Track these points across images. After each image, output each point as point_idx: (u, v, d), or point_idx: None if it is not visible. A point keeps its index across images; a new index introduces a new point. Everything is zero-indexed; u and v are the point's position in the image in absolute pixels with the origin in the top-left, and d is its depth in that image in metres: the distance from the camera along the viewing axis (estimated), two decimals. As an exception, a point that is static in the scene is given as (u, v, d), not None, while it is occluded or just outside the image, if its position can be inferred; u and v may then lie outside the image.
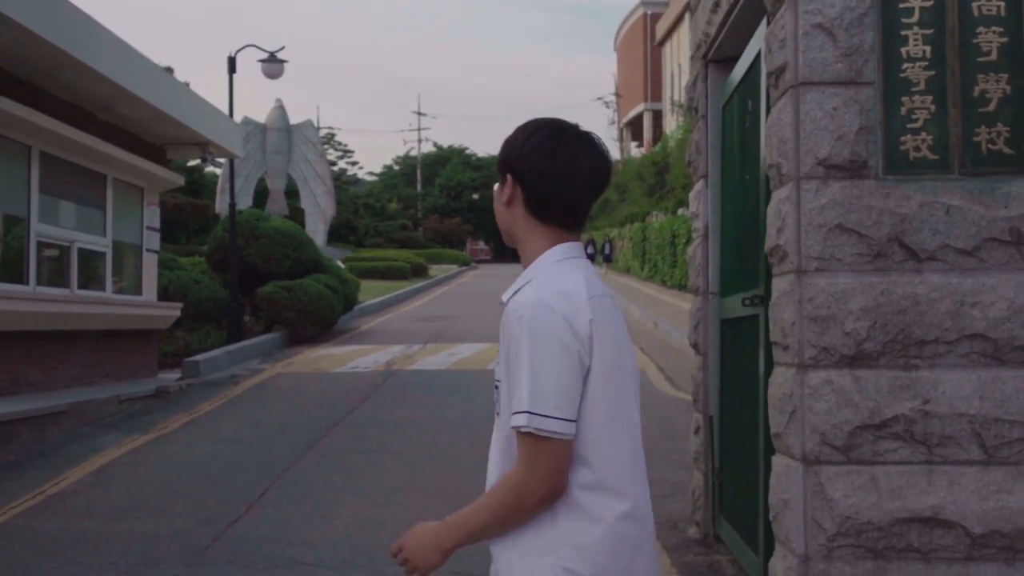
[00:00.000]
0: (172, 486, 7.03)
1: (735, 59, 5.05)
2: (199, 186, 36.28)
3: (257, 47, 17.29)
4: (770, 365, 3.85)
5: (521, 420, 1.64)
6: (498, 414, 1.78)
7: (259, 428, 9.11)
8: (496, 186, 1.85)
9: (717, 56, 5.43)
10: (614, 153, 69.65)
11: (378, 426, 8.91)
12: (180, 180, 13.63)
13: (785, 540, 3.37)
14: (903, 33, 3.26)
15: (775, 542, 3.54)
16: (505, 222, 1.84)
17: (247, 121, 34.80)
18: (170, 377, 12.50)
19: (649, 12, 59.04)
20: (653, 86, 58.57)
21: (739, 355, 4.84)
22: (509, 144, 1.81)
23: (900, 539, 3.18)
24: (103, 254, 11.64)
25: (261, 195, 35.95)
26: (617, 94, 65.60)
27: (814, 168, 3.36)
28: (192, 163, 34.35)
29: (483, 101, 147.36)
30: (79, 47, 9.40)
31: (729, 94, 5.11)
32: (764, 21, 4.08)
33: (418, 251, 44.50)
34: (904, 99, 3.25)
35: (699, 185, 5.71)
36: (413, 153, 70.28)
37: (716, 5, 5.10)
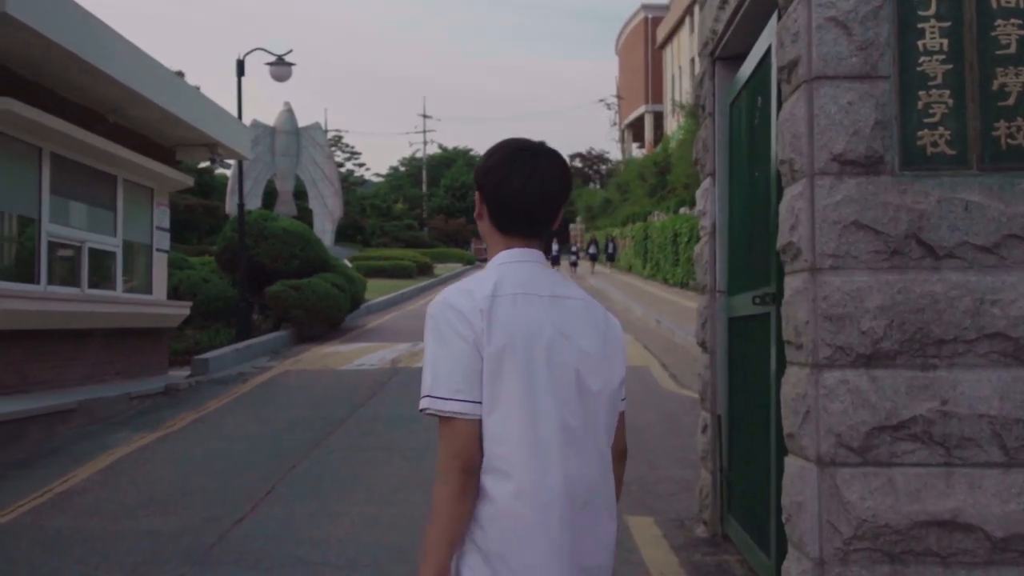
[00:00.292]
0: (179, 484, 7.01)
1: (743, 57, 5.01)
2: (209, 187, 36.33)
3: (265, 50, 17.32)
4: (782, 364, 3.80)
5: (424, 403, 1.81)
6: None
7: (266, 425, 9.10)
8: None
9: (724, 53, 5.40)
10: (615, 154, 69.79)
11: (384, 423, 8.89)
12: (189, 181, 13.63)
13: (799, 543, 3.32)
14: (919, 26, 3.21)
15: (788, 544, 3.49)
16: (481, 231, 2.05)
17: (256, 124, 34.87)
18: (180, 374, 12.51)
19: (650, 16, 59.39)
20: (654, 88, 58.77)
21: (748, 354, 4.80)
22: (478, 164, 2.03)
23: (918, 543, 3.12)
24: (113, 254, 11.65)
25: (270, 196, 36.01)
26: (619, 96, 65.66)
27: (829, 164, 3.30)
28: (203, 165, 34.45)
29: (487, 103, 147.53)
30: (88, 49, 9.40)
31: (737, 91, 5.07)
32: (775, 16, 4.04)
33: (423, 250, 44.56)
34: (921, 93, 3.20)
35: (706, 183, 5.68)
36: (419, 155, 70.45)
37: (724, 2, 5.06)
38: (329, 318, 16.78)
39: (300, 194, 37.57)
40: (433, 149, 71.54)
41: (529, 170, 1.94)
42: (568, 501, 1.83)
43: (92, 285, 11.05)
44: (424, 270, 36.62)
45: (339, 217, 37.70)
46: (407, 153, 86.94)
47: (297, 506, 6.26)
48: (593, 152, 76.68)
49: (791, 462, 3.50)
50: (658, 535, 5.50)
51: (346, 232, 44.83)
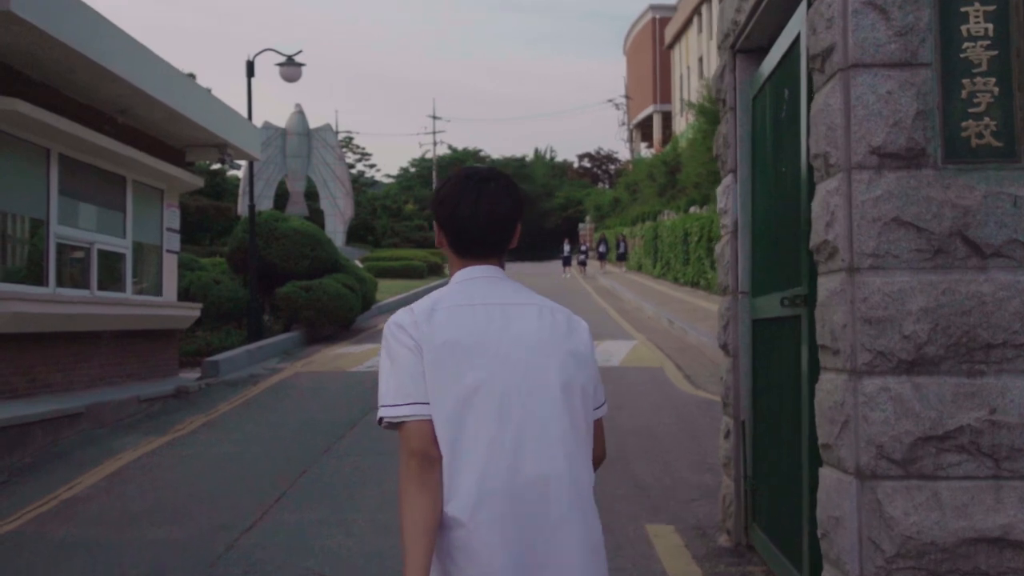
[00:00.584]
0: (187, 490, 6.87)
1: (765, 49, 4.85)
2: (221, 189, 36.32)
3: (275, 51, 17.21)
4: (815, 370, 3.64)
5: (379, 414, 1.97)
6: None
7: (277, 429, 8.96)
8: None
9: (746, 46, 5.21)
10: (624, 154, 69.54)
11: (397, 427, 8.71)
12: (199, 182, 13.52)
13: (837, 560, 3.13)
14: (963, 10, 3.02)
15: (823, 561, 3.31)
16: (447, 255, 2.17)
17: (268, 126, 34.84)
18: (191, 377, 12.39)
19: (658, 16, 59.36)
20: (662, 88, 58.67)
21: (775, 358, 4.62)
22: (433, 195, 2.17)
23: (966, 561, 2.93)
24: (123, 255, 11.54)
25: (282, 198, 35.98)
26: (627, 96, 65.50)
27: (867, 157, 3.14)
28: (215, 167, 34.42)
29: (497, 105, 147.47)
30: (94, 48, 9.27)
31: (760, 84, 4.89)
32: (804, 3, 3.86)
33: (434, 250, 44.35)
34: (965, 81, 3.02)
35: (728, 180, 5.50)
36: (429, 155, 70.22)
37: (746, -9, 4.87)
38: (340, 319, 16.67)
39: (311, 195, 37.53)
40: (443, 150, 71.34)
41: (477, 196, 2.06)
42: (511, 502, 1.90)
43: (102, 287, 10.93)
44: (435, 270, 36.54)
45: (350, 218, 37.64)
46: (417, 154, 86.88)
47: (308, 513, 6.11)
48: (601, 152, 76.49)
49: (827, 474, 3.34)
50: (679, 544, 5.33)
51: (357, 233, 44.76)
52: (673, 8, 55.52)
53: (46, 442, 8.20)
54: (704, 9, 48.35)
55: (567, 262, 39.03)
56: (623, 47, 70.40)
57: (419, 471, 1.90)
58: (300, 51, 17.15)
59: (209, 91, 13.93)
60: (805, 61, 3.79)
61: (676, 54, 55.65)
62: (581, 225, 58.38)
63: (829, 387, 3.29)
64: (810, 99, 3.68)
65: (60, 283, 10.08)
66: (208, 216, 29.04)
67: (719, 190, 5.70)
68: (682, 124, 48.23)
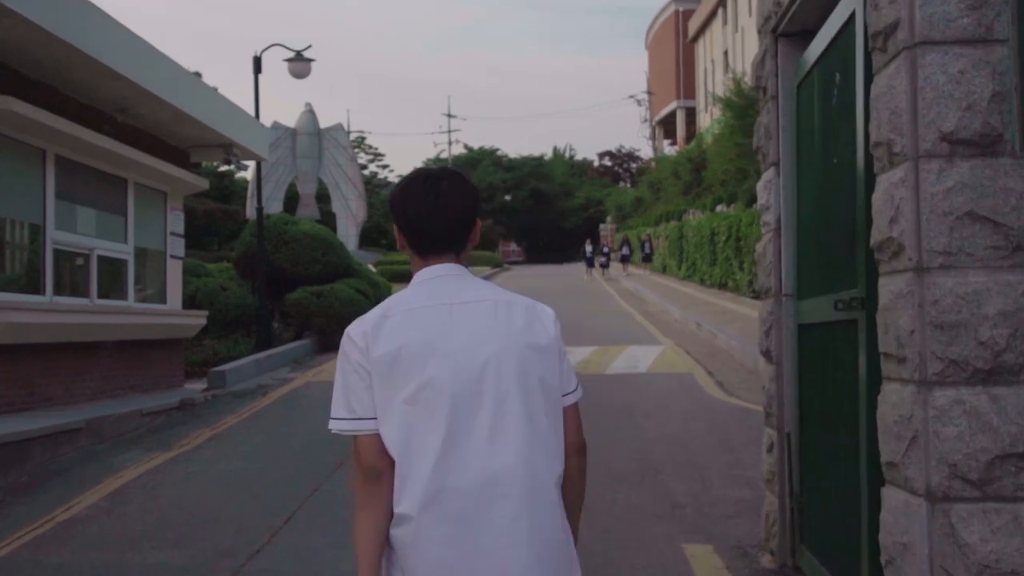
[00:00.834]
0: (191, 510, 6.47)
1: (811, 32, 4.45)
2: (230, 192, 36.06)
3: (283, 46, 16.79)
4: (874, 380, 3.28)
5: (329, 425, 2.02)
6: None
7: (286, 443, 8.55)
8: None
9: (789, 29, 4.83)
10: (646, 152, 69.06)
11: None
12: (204, 184, 13.15)
13: (909, 594, 2.73)
14: (1048, -24, 2.59)
15: (890, 591, 2.90)
16: (409, 256, 2.17)
17: (277, 126, 34.55)
18: (197, 387, 12.01)
19: (681, 9, 58.95)
20: (686, 83, 58.34)
21: (826, 365, 4.20)
22: (390, 195, 2.17)
23: (1051, 592, 2.57)
24: (125, 261, 11.17)
25: (292, 200, 35.66)
26: (649, 92, 65.06)
27: (937, 144, 2.83)
28: (223, 169, 34.14)
29: (513, 102, 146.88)
30: (91, 43, 8.90)
31: (807, 70, 4.48)
32: (860, -23, 3.46)
33: (449, 253, 43.93)
34: (1046, 59, 2.60)
35: (769, 173, 5.08)
36: (443, 155, 69.91)
37: (791, -32, 4.46)
38: (353, 325, 16.15)
39: (323, 197, 37.20)
40: (458, 150, 71.04)
41: (431, 194, 2.08)
42: (459, 501, 1.91)
43: (102, 295, 10.56)
44: (450, 273, 35.99)
45: (363, 220, 37.26)
46: (432, 154, 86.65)
47: (318, 535, 5.70)
48: (623, 150, 76.00)
49: (892, 495, 3.02)
50: (719, 566, 4.93)
51: (370, 236, 44.45)
52: (697, 0, 54.99)
53: (44, 459, 7.81)
54: (729, 0, 47.74)
55: (590, 263, 38.12)
56: (645, 41, 70.00)
57: (364, 484, 1.97)
58: (309, 46, 16.78)
59: (215, 90, 13.56)
60: (862, 40, 3.44)
61: (700, 47, 55.17)
62: (602, 226, 57.88)
63: (894, 399, 2.99)
64: (868, 82, 3.35)
65: (58, 291, 9.72)
66: (215, 220, 28.72)
67: (759, 185, 5.27)
68: (707, 120, 47.73)
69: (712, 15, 51.75)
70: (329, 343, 15.99)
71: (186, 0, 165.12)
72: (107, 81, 9.70)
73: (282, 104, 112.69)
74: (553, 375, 2.05)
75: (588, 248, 39.05)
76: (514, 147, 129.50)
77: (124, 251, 11.13)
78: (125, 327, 10.85)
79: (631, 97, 78.33)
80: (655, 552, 5.18)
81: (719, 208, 27.90)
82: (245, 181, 34.65)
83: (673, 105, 59.83)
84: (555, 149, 76.78)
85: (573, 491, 2.11)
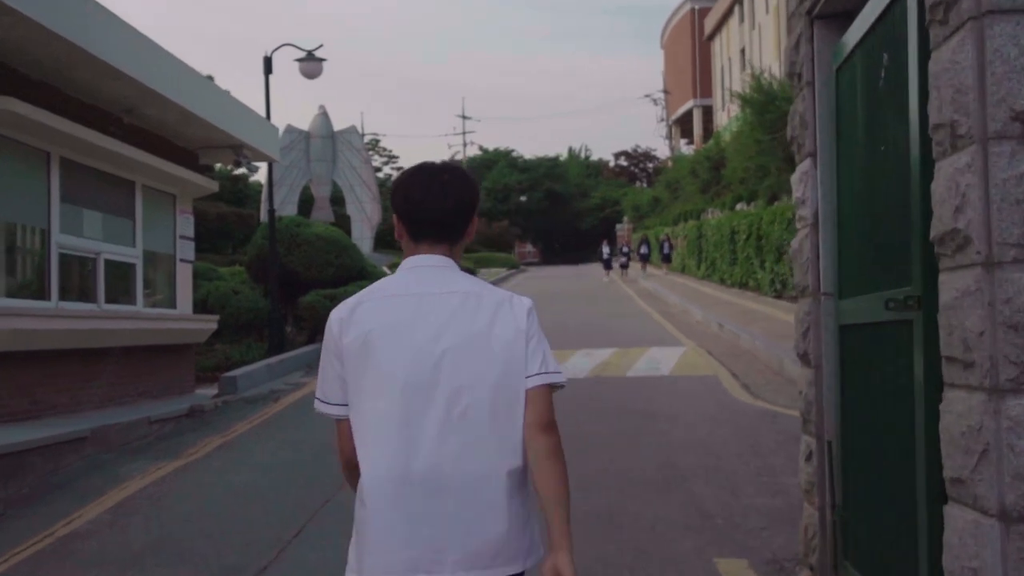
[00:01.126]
0: (197, 524, 6.18)
1: (850, 14, 4.12)
2: (243, 195, 35.90)
3: (294, 46, 16.54)
4: (934, 386, 2.98)
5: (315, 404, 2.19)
6: None
7: (298, 451, 8.26)
8: None
9: (826, 11, 4.51)
10: (662, 151, 68.64)
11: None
12: (214, 186, 12.90)
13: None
14: None
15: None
16: (403, 246, 2.25)
17: (291, 129, 34.36)
18: (208, 393, 11.75)
19: (697, 7, 58.61)
20: (702, 82, 57.97)
21: (874, 370, 3.87)
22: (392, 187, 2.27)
23: None
24: (132, 265, 10.94)
25: (307, 203, 35.46)
26: (665, 91, 64.66)
27: (1008, 124, 2.54)
28: (238, 172, 33.96)
29: (528, 103, 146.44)
30: (93, 41, 8.65)
31: (847, 53, 4.16)
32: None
33: (466, 255, 43.66)
34: None
35: (805, 165, 4.75)
36: (458, 157, 69.72)
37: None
38: (367, 328, 15.86)
39: (338, 200, 36.99)
40: (473, 151, 70.90)
41: (429, 184, 2.17)
42: (404, 490, 2.01)
43: (110, 300, 10.32)
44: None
45: (378, 223, 36.99)
46: (447, 155, 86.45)
47: (329, 551, 5.39)
48: (639, 150, 75.56)
49: (958, 514, 2.74)
50: (755, 584, 4.57)
51: (385, 238, 44.18)
52: (713, -2, 54.64)
53: (46, 470, 7.55)
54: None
55: (608, 265, 37.48)
56: (660, 40, 69.68)
57: (345, 471, 2.18)
58: (320, 46, 16.51)
59: (224, 90, 13.32)
60: (916, 13, 3.13)
61: (716, 45, 54.76)
62: (619, 226, 57.50)
63: (960, 408, 2.71)
64: (923, 60, 3.04)
65: (65, 296, 9.48)
66: (229, 223, 28.51)
67: (794, 178, 4.95)
68: (724, 118, 47.31)
69: (728, 12, 51.32)
70: (343, 347, 15.67)
71: (197, 5, 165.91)
72: (110, 80, 9.46)
73: (297, 107, 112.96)
74: (514, 364, 2.08)
75: (606, 249, 38.45)
76: (529, 148, 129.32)
77: (132, 255, 10.89)
78: (133, 332, 10.61)
79: (647, 96, 77.85)
80: (686, 568, 4.87)
81: (739, 206, 27.53)
82: (259, 184, 34.48)
83: (690, 104, 59.44)
84: (570, 149, 76.54)
85: (545, 476, 2.05)
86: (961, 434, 2.68)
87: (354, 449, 2.08)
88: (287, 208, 30.94)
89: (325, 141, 35.54)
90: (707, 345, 13.92)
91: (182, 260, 12.16)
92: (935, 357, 2.93)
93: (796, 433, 7.67)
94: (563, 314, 20.60)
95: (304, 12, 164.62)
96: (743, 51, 48.33)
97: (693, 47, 58.94)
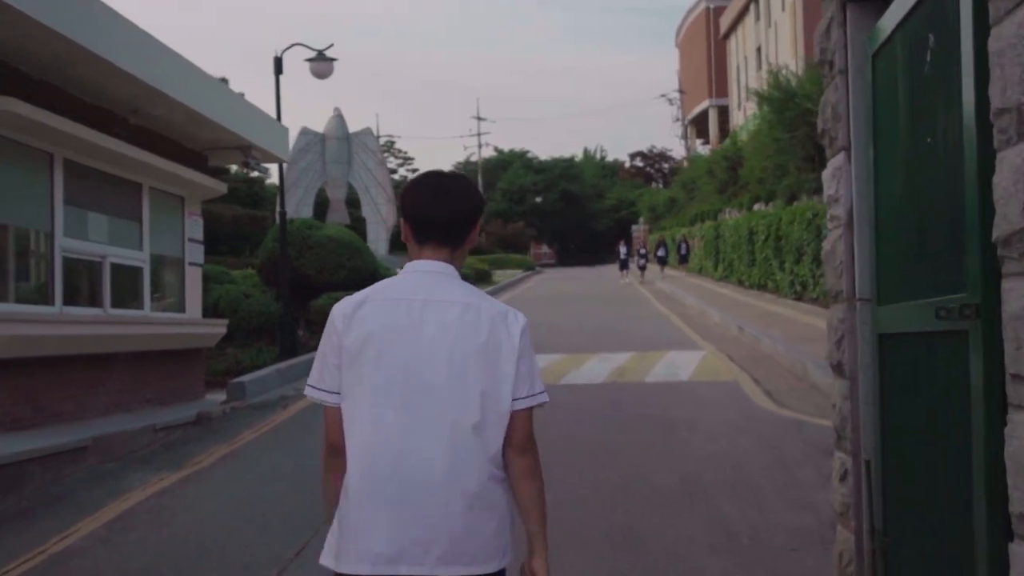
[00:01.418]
0: (196, 540, 5.91)
1: None
2: (260, 198, 35.75)
3: (305, 45, 16.30)
4: (995, 405, 2.68)
5: (305, 389, 2.32)
6: None
7: (305, 460, 7.96)
8: None
9: None
10: (678, 151, 68.17)
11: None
12: (223, 188, 12.67)
13: None
14: None
15: None
16: (408, 248, 2.38)
17: (306, 131, 34.21)
18: (219, 399, 11.50)
19: (712, 6, 58.24)
20: (718, 81, 57.61)
21: (920, 384, 3.53)
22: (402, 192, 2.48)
23: None
24: (140, 269, 10.71)
25: (323, 206, 35.29)
26: (681, 91, 64.24)
27: None
28: (254, 175, 33.80)
29: (542, 104, 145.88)
30: (95, 40, 8.41)
31: (885, 37, 3.82)
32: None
33: (481, 257, 43.49)
34: None
35: (838, 160, 4.43)
36: (474, 158, 69.51)
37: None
38: (380, 331, 15.59)
39: (353, 202, 36.80)
40: (488, 152, 70.63)
41: (436, 191, 2.31)
42: (388, 488, 2.15)
43: (117, 304, 10.09)
44: (482, 277, 35.59)
45: (393, 224, 36.74)
46: (462, 157, 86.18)
47: (331, 573, 5.10)
48: (654, 150, 75.11)
49: None
50: (787, 614, 4.24)
51: (401, 240, 44.10)
52: (728, -4, 54.23)
53: (45, 481, 7.32)
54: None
55: (624, 266, 36.99)
56: (675, 40, 69.30)
57: (327, 456, 2.25)
58: (331, 45, 16.26)
59: (237, 94, 13.10)
60: None
61: (732, 44, 54.35)
62: (635, 227, 57.11)
63: None
64: (980, 38, 2.72)
65: (70, 301, 9.25)
66: (244, 226, 28.31)
67: (826, 174, 4.62)
68: (740, 118, 46.88)
69: (744, 11, 50.88)
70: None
71: (211, 9, 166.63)
72: (115, 80, 9.23)
73: (312, 110, 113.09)
74: (504, 383, 2.20)
75: (623, 250, 37.99)
76: (544, 149, 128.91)
77: (139, 258, 10.66)
78: (141, 337, 10.38)
79: (662, 96, 77.36)
80: (711, 594, 4.55)
81: (757, 206, 27.16)
82: (275, 186, 34.28)
83: (705, 104, 59.03)
84: (586, 150, 76.26)
85: (522, 492, 2.25)
86: (1029, 463, 2.34)
87: (341, 435, 2.20)
88: (303, 211, 30.75)
89: (340, 143, 35.35)
90: (726, 349, 13.57)
91: (191, 263, 11.93)
92: (997, 374, 2.62)
93: (824, 444, 7.34)
94: (580, 317, 20.28)
95: (318, 14, 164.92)
96: (759, 49, 47.88)
97: (708, 46, 58.58)
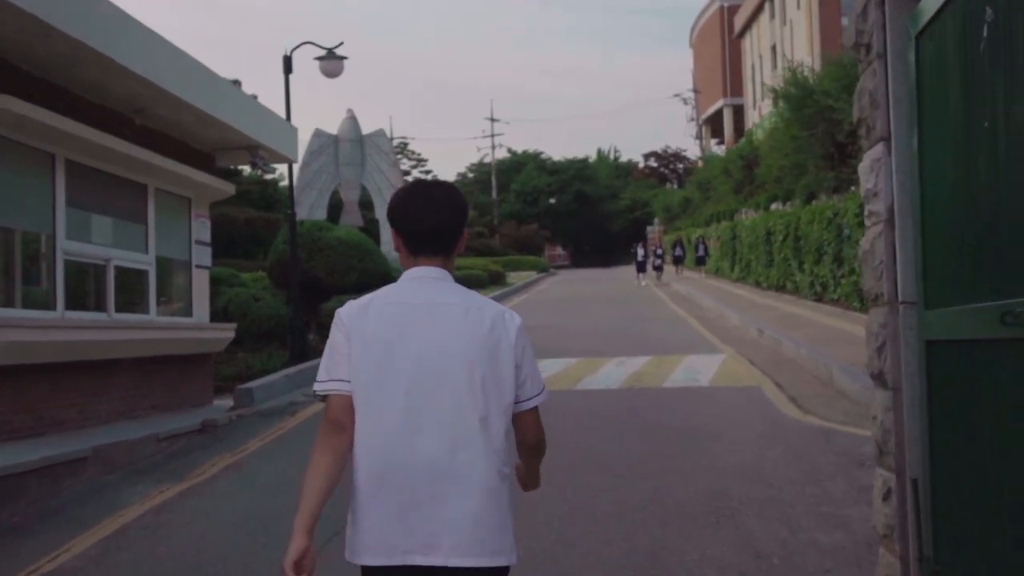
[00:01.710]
0: (193, 559, 5.61)
1: None
2: (274, 200, 35.52)
3: (314, 44, 16.02)
4: None
5: (313, 387, 2.40)
6: None
7: (312, 472, 7.67)
8: None
9: None
10: (692, 151, 67.68)
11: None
12: (231, 189, 12.40)
13: None
14: None
15: None
16: (400, 258, 2.48)
17: (319, 133, 33.95)
18: (228, 405, 11.21)
19: (726, 5, 57.89)
20: (732, 80, 57.21)
21: (979, 397, 3.20)
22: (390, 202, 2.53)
23: None
24: (145, 272, 10.45)
25: (337, 208, 35.06)
26: (695, 90, 63.81)
27: None
28: (268, 177, 33.57)
29: (556, 105, 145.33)
30: (97, 36, 8.17)
31: (931, 15, 3.49)
32: None
33: (495, 259, 43.18)
34: None
35: (876, 151, 4.09)
36: (487, 160, 69.21)
37: None
38: (393, 335, 15.29)
39: (367, 204, 36.57)
40: (502, 153, 70.31)
41: (424, 201, 2.41)
42: (397, 480, 2.25)
43: (121, 308, 9.84)
44: (496, 279, 35.28)
45: (406, 227, 36.53)
46: (475, 159, 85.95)
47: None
48: (669, 150, 74.65)
49: None
50: (825, 645, 3.90)
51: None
52: (742, -5, 53.82)
53: (42, 494, 7.04)
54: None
55: (642, 267, 36.46)
56: (689, 39, 68.96)
57: (327, 435, 2.31)
58: (341, 43, 15.96)
59: (244, 94, 12.83)
60: None
61: (747, 43, 53.92)
62: (649, 228, 56.72)
63: None
64: None
65: (71, 306, 8.98)
66: (257, 229, 28.06)
67: (863, 167, 4.27)
68: (755, 117, 46.44)
69: (759, 9, 50.42)
70: (367, 355, 15.14)
71: (225, 12, 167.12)
72: (118, 78, 8.98)
73: (326, 112, 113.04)
74: (507, 379, 2.31)
75: (640, 251, 37.44)
76: (558, 150, 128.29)
77: (144, 261, 10.41)
78: (146, 343, 10.12)
79: (676, 96, 76.84)
80: (741, 621, 4.20)
81: (774, 206, 26.74)
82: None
83: (720, 103, 58.61)
84: (599, 151, 75.84)
85: (526, 486, 2.54)
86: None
87: (346, 415, 2.29)
88: (317, 213, 30.48)
89: (354, 145, 35.06)
90: (747, 352, 13.19)
91: (198, 266, 11.67)
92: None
93: (855, 454, 6.97)
94: (595, 319, 19.93)
95: (329, 18, 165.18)
96: (774, 48, 47.42)
97: (722, 45, 58.20)
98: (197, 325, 11.44)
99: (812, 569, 4.84)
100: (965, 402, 3.30)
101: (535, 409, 2.39)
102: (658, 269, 35.87)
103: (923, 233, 3.70)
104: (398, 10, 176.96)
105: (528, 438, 2.41)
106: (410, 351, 2.27)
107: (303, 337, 14.24)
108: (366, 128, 36.03)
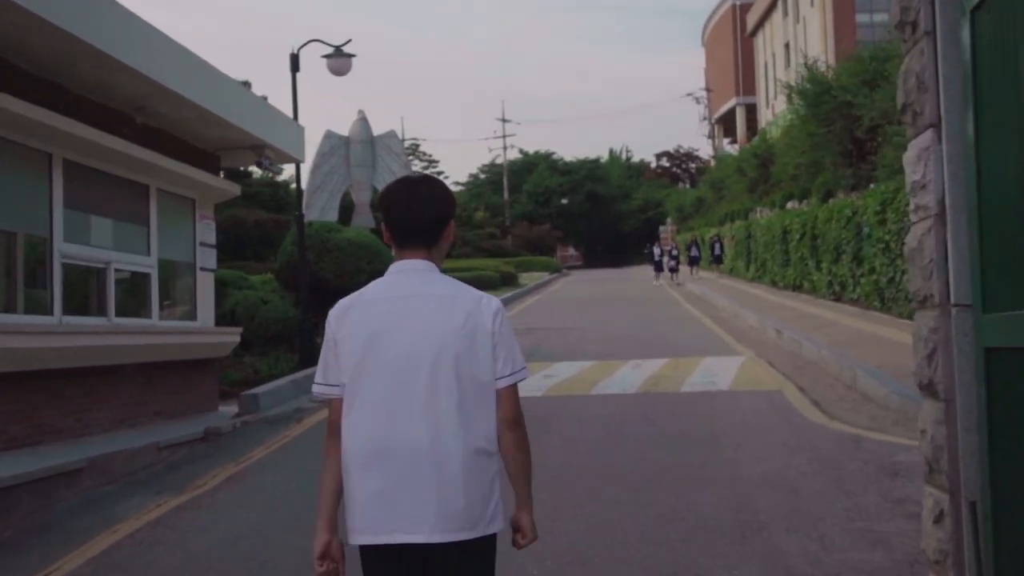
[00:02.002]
0: (189, 579, 5.30)
1: None
2: (284, 202, 35.30)
3: (322, 42, 15.73)
4: None
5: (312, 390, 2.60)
6: None
7: (314, 483, 7.31)
8: None
9: None
10: (705, 151, 67.21)
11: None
12: (236, 189, 12.12)
13: None
14: None
15: None
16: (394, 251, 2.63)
17: (330, 135, 33.70)
18: (231, 412, 10.92)
19: (738, 3, 57.60)
20: (745, 79, 56.86)
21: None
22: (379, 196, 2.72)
23: None
24: (147, 275, 10.16)
25: (349, 209, 34.84)
26: (707, 89, 63.41)
27: None
28: (279, 179, 33.32)
29: (567, 105, 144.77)
30: (96, 33, 7.88)
31: (988, -14, 3.13)
32: None
33: (507, 259, 42.88)
34: None
35: (924, 139, 3.73)
36: (499, 161, 68.89)
37: None
38: (403, 338, 14.99)
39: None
40: (513, 154, 70.01)
41: (409, 196, 2.55)
42: (379, 463, 2.39)
43: (123, 313, 9.55)
44: (508, 280, 34.97)
45: (417, 228, 36.24)
46: (487, 160, 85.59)
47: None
48: (681, 150, 74.21)
49: None
50: None
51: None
52: (755, -7, 53.45)
53: (35, 507, 6.75)
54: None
55: (659, 267, 35.93)
56: (701, 38, 68.63)
57: (332, 437, 2.49)
58: (348, 40, 15.67)
59: (264, 98, 12.54)
60: None
61: (759, 42, 53.55)
62: (662, 228, 56.31)
63: None
64: None
65: (69, 310, 8.70)
66: (268, 230, 27.79)
67: (908, 157, 3.91)
68: (769, 115, 46.01)
69: (771, 7, 50.02)
70: (377, 358, 14.83)
71: (234, 14, 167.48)
72: (119, 77, 8.69)
73: (338, 113, 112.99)
74: (485, 362, 2.47)
75: (656, 251, 36.90)
76: (569, 150, 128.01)
77: (146, 264, 10.12)
78: (148, 348, 9.84)
79: (689, 95, 76.33)
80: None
81: (790, 205, 26.36)
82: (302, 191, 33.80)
83: (732, 102, 58.23)
84: (611, 151, 75.41)
85: (514, 464, 2.53)
86: None
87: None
88: (328, 214, 30.21)
89: (365, 146, 34.79)
90: (766, 355, 12.81)
91: (203, 269, 11.38)
92: None
93: (887, 463, 6.60)
94: (609, 321, 19.59)
95: (344, 20, 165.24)
96: (787, 46, 47.01)
97: (735, 44, 57.86)
98: (202, 329, 11.15)
99: (845, 591, 4.50)
100: (1031, 417, 2.95)
101: (513, 387, 2.51)
102: (673, 271, 35.39)
103: (980, 228, 3.35)
104: (409, 12, 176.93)
105: (505, 413, 2.49)
106: (392, 342, 2.42)
107: (312, 340, 13.92)
108: (377, 129, 35.80)
